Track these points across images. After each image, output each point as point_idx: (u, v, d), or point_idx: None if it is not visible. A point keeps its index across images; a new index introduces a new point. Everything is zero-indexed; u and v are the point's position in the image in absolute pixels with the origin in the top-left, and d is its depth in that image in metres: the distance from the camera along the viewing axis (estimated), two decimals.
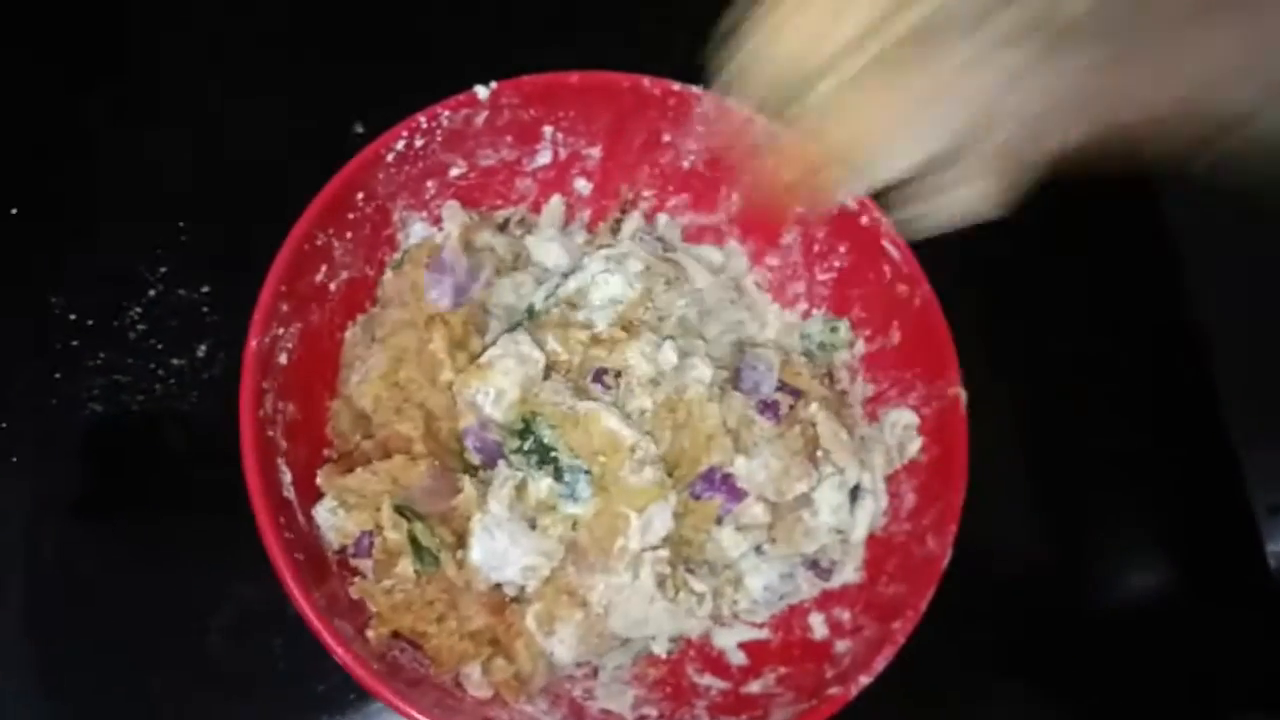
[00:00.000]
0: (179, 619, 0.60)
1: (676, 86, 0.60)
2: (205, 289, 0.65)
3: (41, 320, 0.63)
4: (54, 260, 0.65)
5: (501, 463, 0.53)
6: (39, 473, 0.61)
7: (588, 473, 0.52)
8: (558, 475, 0.52)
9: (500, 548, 0.51)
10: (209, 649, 0.59)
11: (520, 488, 0.52)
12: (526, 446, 0.52)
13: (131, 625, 0.59)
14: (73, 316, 0.64)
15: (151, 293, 0.65)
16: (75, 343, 0.63)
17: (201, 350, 0.64)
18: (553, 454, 0.52)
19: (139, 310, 0.64)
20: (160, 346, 0.64)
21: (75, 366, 0.63)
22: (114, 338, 0.64)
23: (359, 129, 0.69)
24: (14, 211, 0.65)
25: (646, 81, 0.60)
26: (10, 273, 0.64)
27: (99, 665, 0.59)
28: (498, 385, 0.53)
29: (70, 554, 0.60)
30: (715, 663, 0.58)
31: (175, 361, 0.64)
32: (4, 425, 0.61)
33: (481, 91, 0.57)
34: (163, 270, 0.65)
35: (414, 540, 0.51)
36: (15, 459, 0.61)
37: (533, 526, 0.52)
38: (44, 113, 0.69)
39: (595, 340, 0.56)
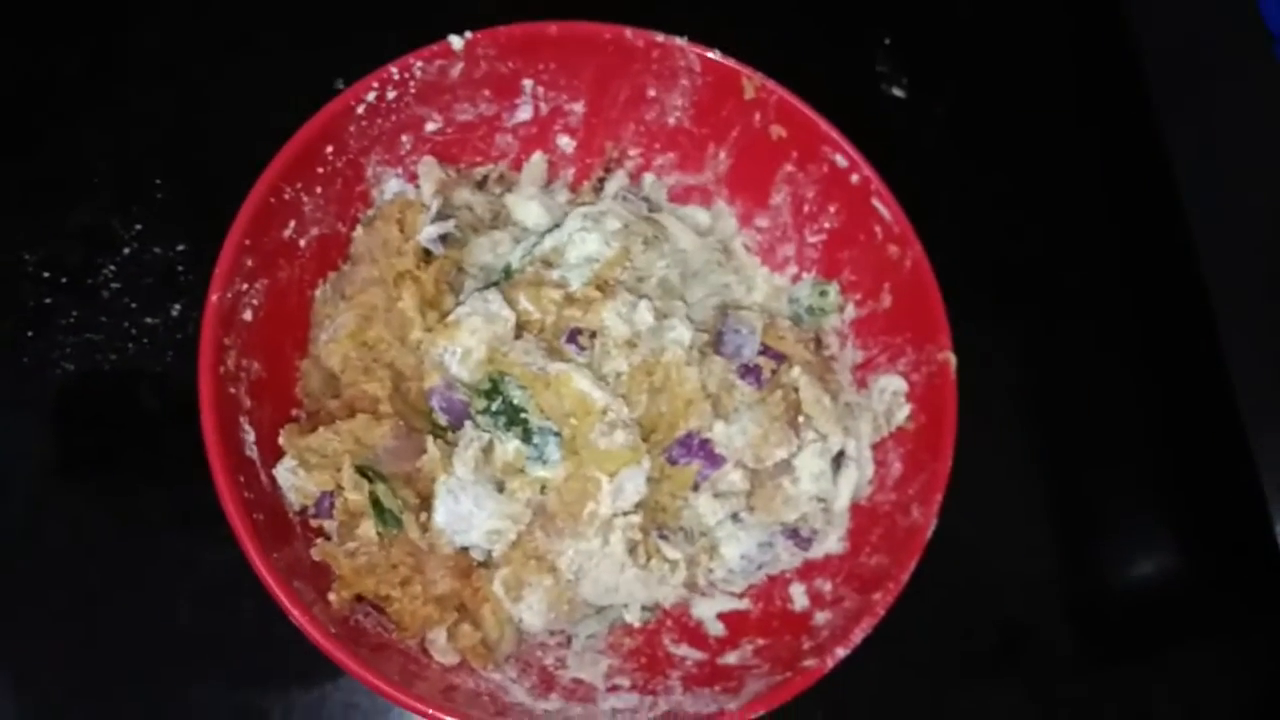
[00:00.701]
0: (149, 581, 0.59)
1: (660, 38, 0.58)
2: (181, 247, 0.64)
3: (13, 277, 0.62)
4: (27, 216, 0.64)
5: (468, 423, 0.51)
6: (8, 432, 0.60)
7: (557, 435, 0.50)
8: (526, 437, 0.50)
9: (464, 510, 0.49)
10: (179, 614, 0.58)
11: (487, 449, 0.50)
12: (494, 407, 0.51)
13: (102, 592, 0.58)
14: (46, 274, 0.63)
15: (126, 250, 0.64)
16: (48, 300, 0.62)
17: (176, 309, 0.63)
18: (522, 415, 0.50)
19: (113, 268, 0.63)
20: (134, 305, 0.63)
21: (47, 324, 0.62)
22: (87, 296, 0.63)
23: (340, 84, 0.67)
24: None
25: (629, 33, 0.58)
26: None
27: (66, 630, 0.58)
28: (464, 344, 0.51)
29: (39, 514, 0.59)
30: (693, 633, 0.56)
31: (149, 320, 0.63)
32: None
33: (456, 42, 0.56)
34: (138, 228, 0.64)
35: (375, 501, 0.49)
36: None
37: (500, 489, 0.51)
38: (18, 67, 0.68)
39: (569, 300, 0.54)
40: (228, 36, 0.70)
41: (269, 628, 0.58)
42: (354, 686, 0.58)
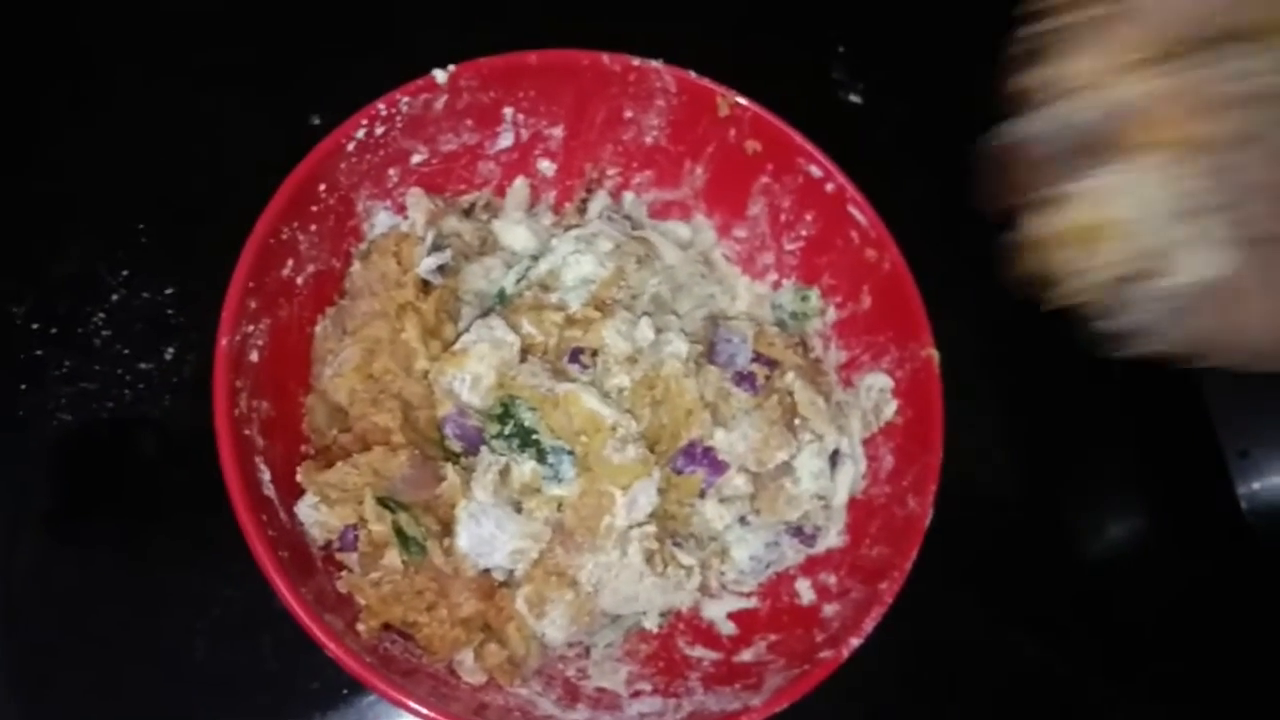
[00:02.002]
0: (163, 624, 0.59)
1: (636, 62, 0.60)
2: (169, 290, 0.64)
3: (3, 332, 0.62)
4: (12, 270, 0.63)
5: (484, 448, 0.53)
6: (11, 486, 0.60)
7: (570, 453, 0.52)
8: (540, 457, 0.52)
9: (487, 533, 0.51)
10: (195, 652, 0.59)
11: (504, 472, 0.52)
12: (507, 431, 0.52)
13: (114, 634, 0.59)
14: (35, 326, 0.63)
15: (114, 297, 0.64)
16: (39, 352, 0.62)
17: (169, 353, 0.63)
18: (534, 436, 0.52)
19: (103, 316, 0.63)
20: (127, 352, 0.63)
21: (41, 377, 0.62)
22: (79, 345, 0.63)
23: (315, 120, 0.68)
24: None
25: (606, 58, 0.59)
26: None
27: (83, 678, 0.58)
28: (474, 371, 0.53)
29: (48, 566, 0.59)
30: (705, 634, 0.58)
31: (143, 366, 0.63)
32: None
33: (440, 75, 0.57)
34: (124, 274, 0.64)
35: (399, 531, 0.50)
36: None
37: (518, 510, 0.52)
38: None
39: (570, 321, 0.56)
40: (197, 78, 0.70)
41: (286, 661, 0.59)
42: (374, 717, 0.59)
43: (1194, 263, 0.38)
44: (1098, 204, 0.38)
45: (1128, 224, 0.38)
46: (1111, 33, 0.38)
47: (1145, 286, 0.39)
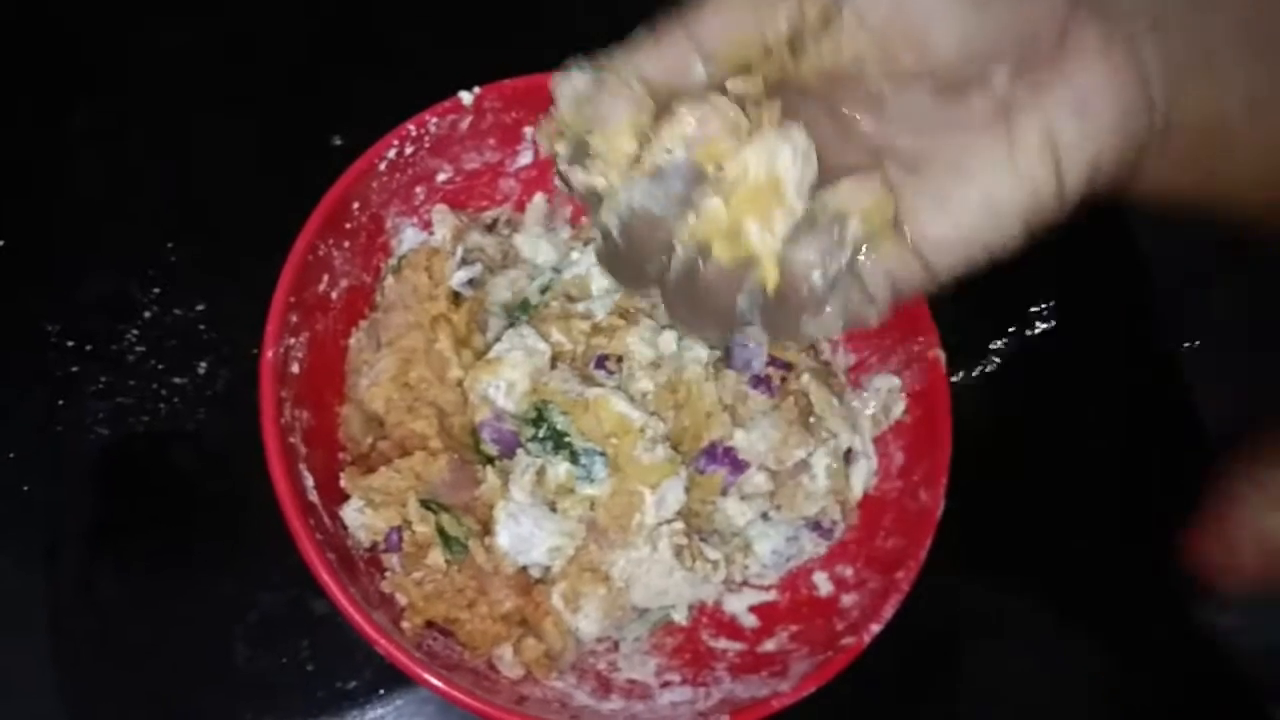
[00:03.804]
0: (202, 630, 0.61)
1: None
2: (200, 307, 0.66)
3: (39, 349, 0.64)
4: (47, 289, 0.65)
5: (520, 451, 0.55)
6: (51, 499, 0.62)
7: (602, 454, 0.55)
8: (574, 459, 0.54)
9: (526, 531, 0.53)
10: (236, 657, 0.61)
11: (540, 474, 0.54)
12: (541, 434, 0.55)
13: (157, 642, 0.60)
14: (70, 343, 0.64)
15: (147, 314, 0.66)
16: (75, 369, 0.64)
17: (202, 368, 0.65)
18: (566, 439, 0.54)
19: (136, 333, 0.65)
20: (161, 367, 0.65)
21: (78, 392, 0.63)
22: (114, 361, 0.64)
23: (337, 141, 0.71)
24: (1, 244, 0.66)
25: None
26: (3, 304, 0.65)
27: (128, 687, 0.60)
28: (508, 378, 0.55)
29: (90, 578, 0.61)
30: (728, 627, 0.61)
31: (177, 380, 0.65)
32: (11, 455, 0.62)
33: (466, 97, 0.59)
34: (156, 291, 0.66)
35: (441, 531, 0.53)
36: (26, 488, 0.61)
37: (553, 509, 0.55)
38: (18, 144, 0.69)
39: (596, 329, 0.58)
40: (219, 100, 0.72)
41: (323, 663, 0.61)
42: (409, 713, 0.61)
43: (847, 198, 0.40)
44: (735, 191, 0.40)
45: (773, 187, 0.40)
46: (622, 112, 0.42)
47: (820, 234, 0.40)
